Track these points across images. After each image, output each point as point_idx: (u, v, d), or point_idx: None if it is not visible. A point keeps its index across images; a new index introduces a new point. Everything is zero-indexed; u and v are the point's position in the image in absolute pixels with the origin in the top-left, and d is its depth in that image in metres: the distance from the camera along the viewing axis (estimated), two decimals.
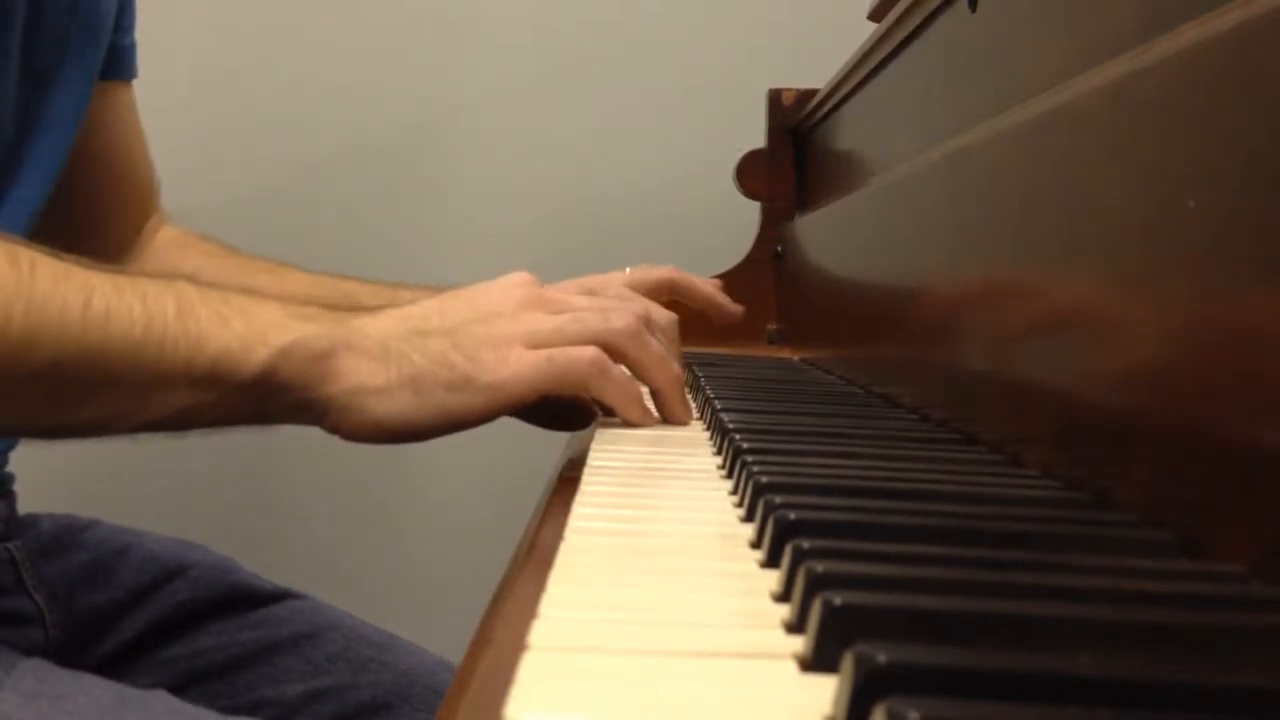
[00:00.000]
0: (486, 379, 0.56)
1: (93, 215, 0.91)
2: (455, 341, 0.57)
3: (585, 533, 0.39)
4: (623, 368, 0.62)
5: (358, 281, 0.91)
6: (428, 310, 0.59)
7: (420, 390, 0.56)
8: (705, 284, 0.95)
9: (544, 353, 0.57)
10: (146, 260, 0.96)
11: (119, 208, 0.94)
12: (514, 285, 0.61)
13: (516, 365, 0.57)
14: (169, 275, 0.57)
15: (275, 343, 0.55)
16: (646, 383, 0.63)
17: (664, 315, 0.71)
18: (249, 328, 0.55)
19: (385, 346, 0.57)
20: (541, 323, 0.59)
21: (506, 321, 0.58)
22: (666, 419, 0.65)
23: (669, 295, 0.89)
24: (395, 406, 0.56)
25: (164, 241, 0.97)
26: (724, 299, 0.94)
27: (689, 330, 0.78)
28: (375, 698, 0.84)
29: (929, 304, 0.69)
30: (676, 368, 0.65)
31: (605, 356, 0.59)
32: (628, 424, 0.63)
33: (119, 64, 0.90)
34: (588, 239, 1.48)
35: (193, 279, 0.58)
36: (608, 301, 0.64)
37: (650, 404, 0.65)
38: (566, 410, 0.64)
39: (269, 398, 0.56)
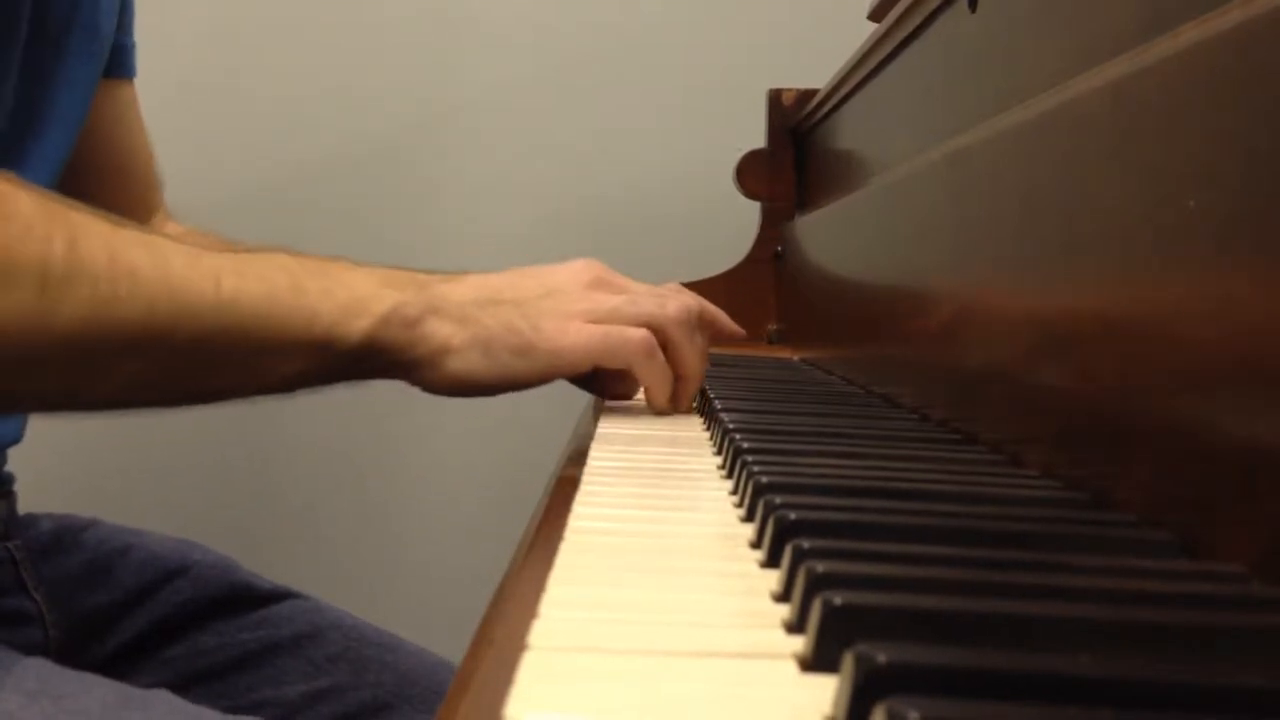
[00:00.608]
0: (546, 346, 0.63)
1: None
2: (524, 312, 0.63)
3: (585, 533, 0.39)
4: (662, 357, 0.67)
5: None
6: (500, 283, 0.65)
7: (489, 352, 0.62)
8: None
9: (600, 328, 0.64)
10: None
11: (118, 204, 0.93)
12: (582, 268, 0.67)
13: (575, 337, 0.63)
14: (268, 249, 0.61)
15: (376, 311, 0.61)
16: (676, 368, 0.68)
17: (710, 307, 0.76)
18: (351, 297, 0.61)
19: (463, 311, 0.63)
20: (602, 301, 0.65)
21: (570, 298, 0.65)
22: (674, 401, 0.69)
23: None
24: (468, 365, 0.62)
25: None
26: (728, 320, 0.95)
27: None
28: (376, 698, 0.84)
29: (929, 304, 0.69)
30: (705, 365, 0.71)
31: (654, 341, 0.65)
32: (651, 407, 0.69)
33: (118, 62, 0.90)
34: (588, 239, 1.48)
35: (286, 249, 0.62)
36: (666, 289, 0.69)
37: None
38: (612, 381, 0.71)
39: (369, 360, 0.61)
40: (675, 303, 0.67)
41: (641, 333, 0.65)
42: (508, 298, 0.64)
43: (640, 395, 0.72)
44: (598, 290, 0.66)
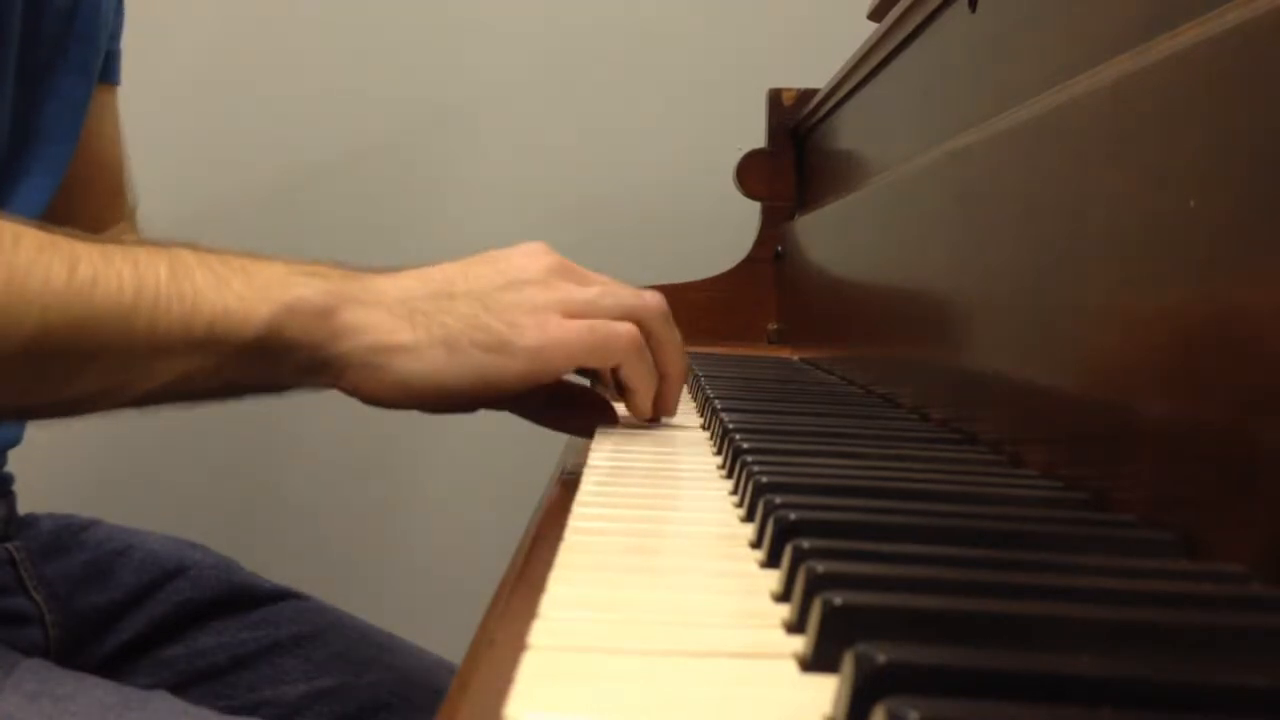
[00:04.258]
0: (525, 343, 0.54)
1: (52, 213, 0.89)
2: (486, 305, 0.55)
3: (585, 533, 0.39)
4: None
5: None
6: (450, 273, 0.57)
7: (455, 350, 0.54)
8: None
9: (585, 323, 0.56)
10: None
11: (77, 210, 0.89)
12: (537, 253, 0.58)
13: (557, 331, 0.55)
14: (165, 242, 0.54)
15: (277, 299, 0.53)
16: (661, 366, 0.62)
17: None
18: (249, 286, 0.53)
19: (409, 305, 0.54)
20: (574, 292, 0.57)
21: (539, 289, 0.56)
22: (659, 406, 0.63)
23: None
24: (426, 366, 0.54)
25: None
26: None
27: (690, 332, 0.78)
28: (376, 698, 0.84)
29: (929, 303, 0.69)
30: (687, 360, 0.64)
31: (640, 336, 0.58)
32: (631, 413, 0.62)
33: (104, 68, 0.89)
34: (588, 239, 1.48)
35: (191, 244, 0.55)
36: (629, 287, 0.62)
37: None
38: (574, 405, 0.62)
39: (277, 359, 0.53)
40: (651, 294, 0.60)
41: (629, 327, 0.57)
42: (461, 290, 0.55)
43: (620, 409, 0.64)
44: (564, 280, 0.58)
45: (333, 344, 0.53)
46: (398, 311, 0.54)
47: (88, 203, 0.92)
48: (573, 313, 0.56)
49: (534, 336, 0.55)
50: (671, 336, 0.61)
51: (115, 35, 0.91)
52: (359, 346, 0.53)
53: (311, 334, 0.53)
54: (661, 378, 0.62)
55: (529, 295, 0.56)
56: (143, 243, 0.54)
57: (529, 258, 0.58)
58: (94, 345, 0.51)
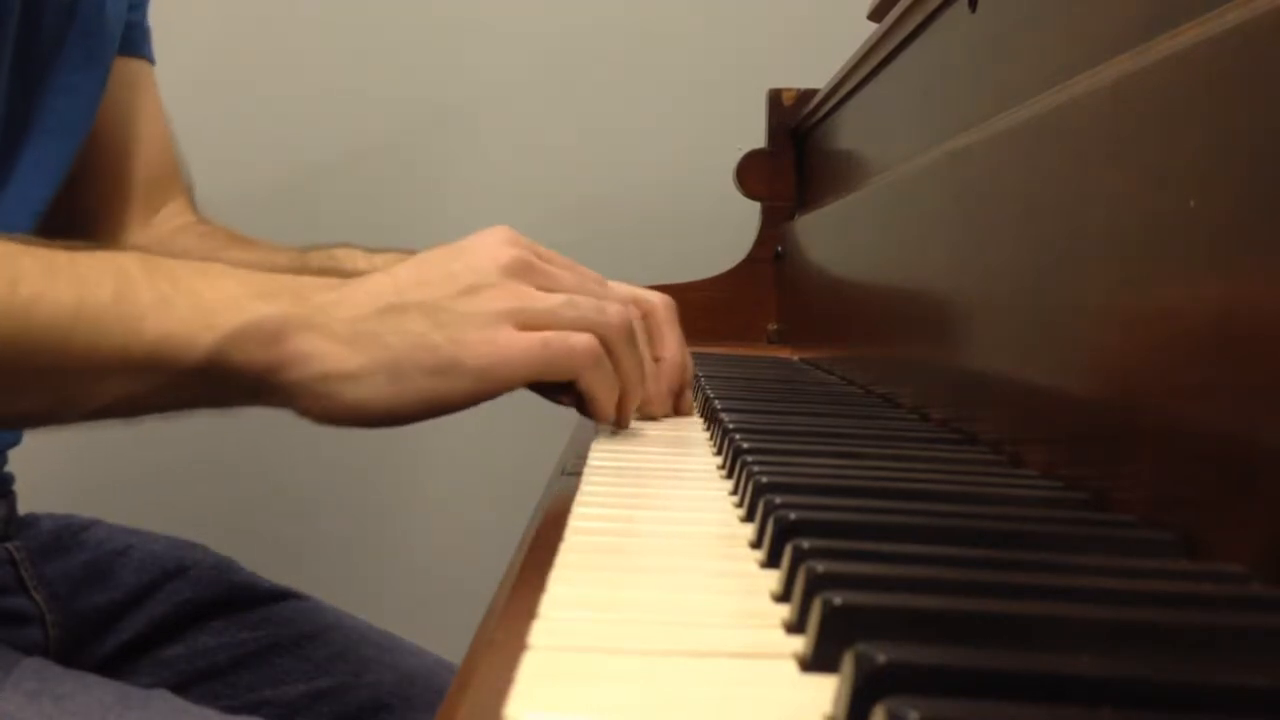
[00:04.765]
0: (473, 363, 0.52)
1: (92, 194, 0.88)
2: (437, 320, 0.53)
3: (585, 533, 0.39)
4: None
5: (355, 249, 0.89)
6: (402, 282, 0.54)
7: (399, 376, 0.52)
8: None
9: (538, 336, 0.53)
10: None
11: (121, 189, 0.90)
12: (498, 246, 0.56)
13: (506, 349, 0.53)
14: (117, 251, 0.53)
15: (222, 326, 0.51)
16: (620, 380, 0.59)
17: (659, 299, 0.69)
18: (195, 309, 0.51)
19: (354, 328, 0.52)
20: (533, 300, 0.54)
21: (493, 295, 0.54)
22: (618, 415, 0.60)
23: None
24: (371, 393, 0.52)
25: (171, 229, 0.93)
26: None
27: (690, 332, 0.78)
28: (376, 698, 0.84)
29: (929, 303, 0.69)
30: (650, 383, 0.62)
31: (600, 347, 0.55)
32: (594, 419, 0.59)
33: (129, 41, 0.88)
34: (587, 239, 1.48)
35: (144, 253, 0.54)
36: (599, 289, 0.59)
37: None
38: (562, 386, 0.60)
39: (223, 382, 0.52)
40: (615, 308, 0.57)
41: (586, 338, 0.54)
42: (412, 301, 0.53)
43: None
44: (522, 280, 0.55)
45: (282, 372, 0.52)
46: (343, 335, 0.52)
47: (123, 182, 0.91)
48: (528, 324, 0.54)
49: (483, 354, 0.53)
50: (628, 354, 0.58)
51: (137, 6, 0.89)
52: (306, 376, 0.52)
53: (257, 361, 0.52)
54: (620, 392, 0.59)
55: (482, 304, 0.53)
56: (94, 251, 0.53)
57: (488, 254, 0.55)
58: (32, 365, 0.50)
